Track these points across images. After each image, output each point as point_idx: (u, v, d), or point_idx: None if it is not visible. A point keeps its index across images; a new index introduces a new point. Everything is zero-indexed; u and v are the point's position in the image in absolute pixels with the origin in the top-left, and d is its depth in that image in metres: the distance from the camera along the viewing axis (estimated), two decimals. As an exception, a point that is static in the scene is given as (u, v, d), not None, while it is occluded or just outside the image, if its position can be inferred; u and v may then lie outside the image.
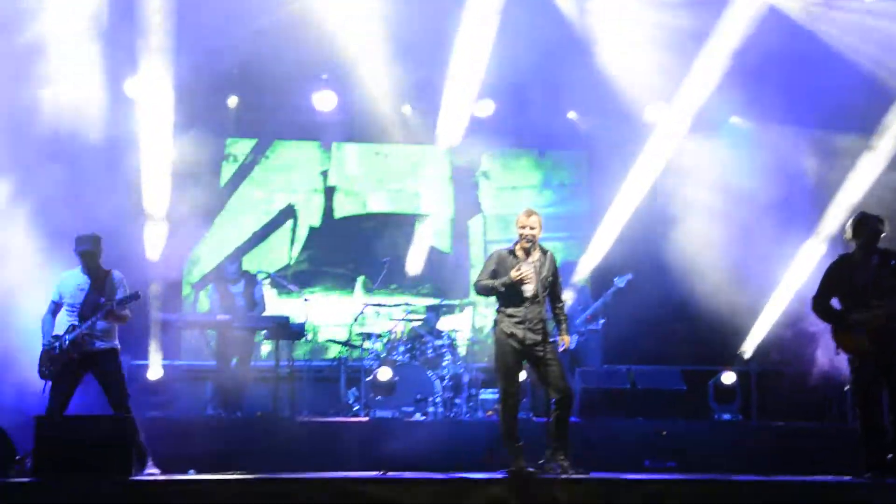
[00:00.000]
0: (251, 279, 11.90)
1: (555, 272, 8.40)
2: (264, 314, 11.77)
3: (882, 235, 8.25)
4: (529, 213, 8.35)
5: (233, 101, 13.90)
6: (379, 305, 12.62)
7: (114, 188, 11.60)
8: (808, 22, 12.09)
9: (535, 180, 14.87)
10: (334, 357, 12.64)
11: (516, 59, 12.74)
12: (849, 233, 8.37)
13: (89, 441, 7.66)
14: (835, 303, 8.38)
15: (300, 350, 12.12)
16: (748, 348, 12.69)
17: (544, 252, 8.35)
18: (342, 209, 14.65)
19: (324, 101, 13.59)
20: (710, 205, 12.80)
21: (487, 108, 13.72)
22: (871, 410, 8.07)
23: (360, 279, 14.40)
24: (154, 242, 11.99)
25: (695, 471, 9.42)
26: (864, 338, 8.08)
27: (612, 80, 12.58)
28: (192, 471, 8.50)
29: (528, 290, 8.19)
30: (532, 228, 8.27)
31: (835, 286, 8.33)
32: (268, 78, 13.47)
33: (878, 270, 8.16)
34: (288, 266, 14.39)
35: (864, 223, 8.28)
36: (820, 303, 8.38)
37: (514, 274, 8.17)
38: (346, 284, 14.44)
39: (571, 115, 14.22)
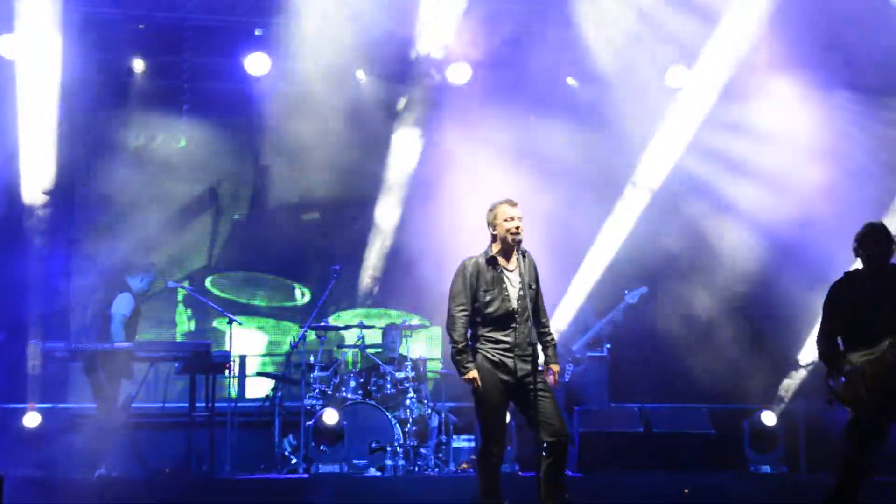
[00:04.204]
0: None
1: (538, 280, 8.22)
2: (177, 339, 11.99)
3: None
4: (514, 203, 8.17)
5: (139, 65, 13.75)
6: (324, 327, 12.26)
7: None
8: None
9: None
10: (266, 396, 12.34)
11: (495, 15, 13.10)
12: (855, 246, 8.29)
13: None
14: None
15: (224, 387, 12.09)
16: (793, 382, 12.77)
17: (523, 254, 8.15)
18: (278, 196, 14.59)
19: (257, 63, 13.55)
20: (747, 196, 12.90)
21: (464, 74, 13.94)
22: (862, 466, 7.99)
23: (301, 291, 14.45)
24: (36, 241, 12.12)
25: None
26: (861, 386, 7.93)
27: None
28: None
29: (515, 305, 8.02)
30: (520, 220, 8.10)
31: (838, 315, 8.23)
32: (187, 32, 13.48)
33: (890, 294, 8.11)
34: (207, 269, 14.38)
35: (872, 234, 8.22)
36: (824, 342, 8.25)
37: (471, 379, 8.01)
38: (284, 298, 14.45)
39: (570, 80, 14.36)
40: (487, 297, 8.03)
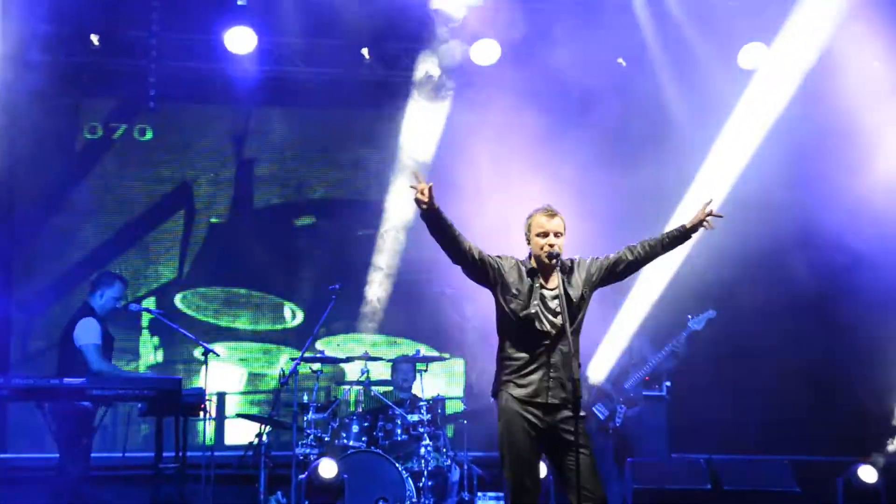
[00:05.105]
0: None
1: (595, 267, 8.01)
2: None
3: None
4: (552, 213, 7.91)
5: (95, 41, 13.54)
6: (322, 359, 12.02)
7: None
8: None
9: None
10: (250, 443, 11.98)
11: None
12: None
13: None
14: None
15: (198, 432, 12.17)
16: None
17: (568, 269, 7.94)
18: (264, 196, 14.61)
19: (240, 40, 13.30)
20: (834, 202, 12.73)
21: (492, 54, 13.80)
22: None
23: (292, 311, 14.43)
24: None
25: None
26: None
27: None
28: None
29: (549, 329, 7.78)
30: (557, 237, 7.84)
31: None
32: (155, 1, 13.37)
33: None
34: (178, 284, 14.25)
35: None
36: None
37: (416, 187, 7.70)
38: (271, 320, 14.45)
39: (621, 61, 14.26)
40: (512, 305, 7.78)
